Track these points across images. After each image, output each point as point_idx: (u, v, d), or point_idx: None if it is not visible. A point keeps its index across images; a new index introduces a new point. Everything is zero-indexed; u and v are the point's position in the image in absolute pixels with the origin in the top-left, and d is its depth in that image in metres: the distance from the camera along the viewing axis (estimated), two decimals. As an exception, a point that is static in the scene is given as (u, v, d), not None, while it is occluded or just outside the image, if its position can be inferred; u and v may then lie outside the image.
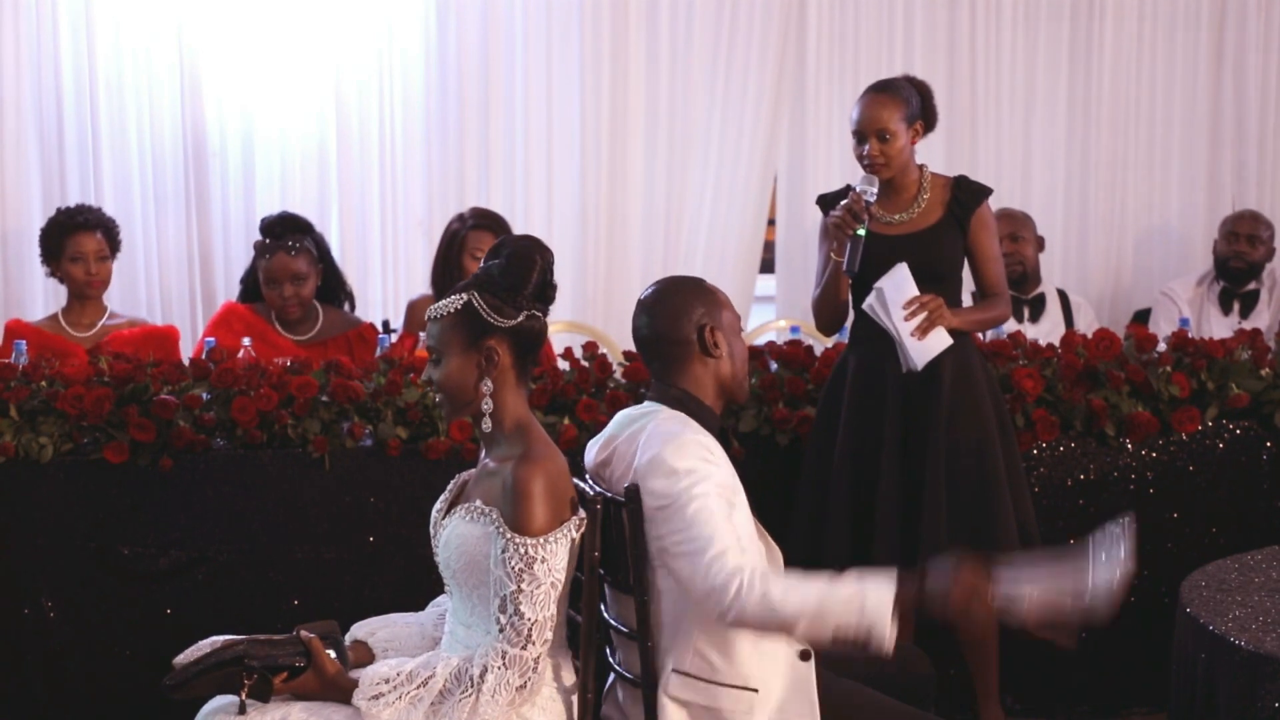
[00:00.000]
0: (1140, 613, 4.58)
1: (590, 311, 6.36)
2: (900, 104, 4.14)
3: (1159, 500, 4.59)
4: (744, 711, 3.07)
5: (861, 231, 4.04)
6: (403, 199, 6.32)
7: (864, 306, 4.11)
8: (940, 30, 6.62)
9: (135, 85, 6.04)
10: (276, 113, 6.17)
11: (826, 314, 4.27)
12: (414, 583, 4.27)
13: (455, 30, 6.28)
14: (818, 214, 4.34)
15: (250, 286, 5.29)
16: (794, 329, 5.38)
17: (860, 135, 4.14)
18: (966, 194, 4.23)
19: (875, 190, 3.94)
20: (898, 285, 4.07)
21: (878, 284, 4.07)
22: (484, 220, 5.46)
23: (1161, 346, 4.71)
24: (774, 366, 4.66)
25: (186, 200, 6.10)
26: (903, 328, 4.05)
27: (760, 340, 5.52)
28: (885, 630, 2.87)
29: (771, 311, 6.72)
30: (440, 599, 3.27)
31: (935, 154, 6.18)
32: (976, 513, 4.11)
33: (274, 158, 6.19)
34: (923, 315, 4.05)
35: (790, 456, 4.47)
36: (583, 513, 3.07)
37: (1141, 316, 6.44)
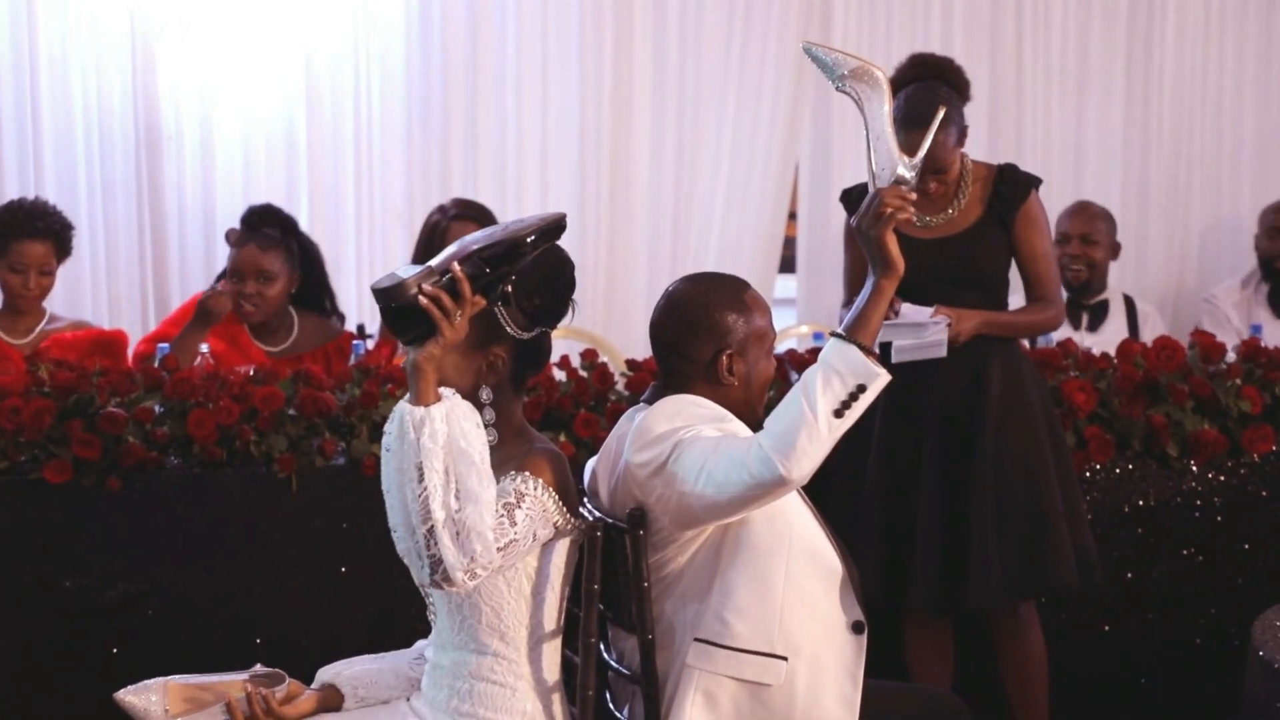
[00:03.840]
0: (1208, 655, 4.59)
1: (589, 315, 6.35)
2: (950, 129, 4.10)
3: (1228, 529, 4.59)
4: (773, 681, 3.12)
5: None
6: (380, 189, 6.33)
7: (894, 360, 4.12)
8: (983, 2, 6.62)
9: (81, 59, 6.03)
10: (239, 91, 6.17)
11: None
12: (391, 618, 4.28)
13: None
14: (843, 208, 4.32)
15: None
16: (817, 335, 5.37)
17: None
18: (1010, 187, 4.21)
19: (914, 176, 3.81)
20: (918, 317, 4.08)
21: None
22: (467, 211, 5.49)
23: (1230, 356, 4.70)
24: (794, 378, 4.66)
25: (138, 189, 6.10)
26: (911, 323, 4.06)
27: (779, 348, 5.51)
28: (860, 357, 3.05)
29: (793, 315, 6.72)
30: (422, 643, 3.28)
31: (977, 141, 6.13)
32: (1029, 543, 4.11)
33: (236, 142, 6.19)
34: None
35: (814, 483, 4.46)
36: (587, 514, 3.15)
37: (1209, 321, 6.43)
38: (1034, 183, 4.24)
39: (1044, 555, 4.11)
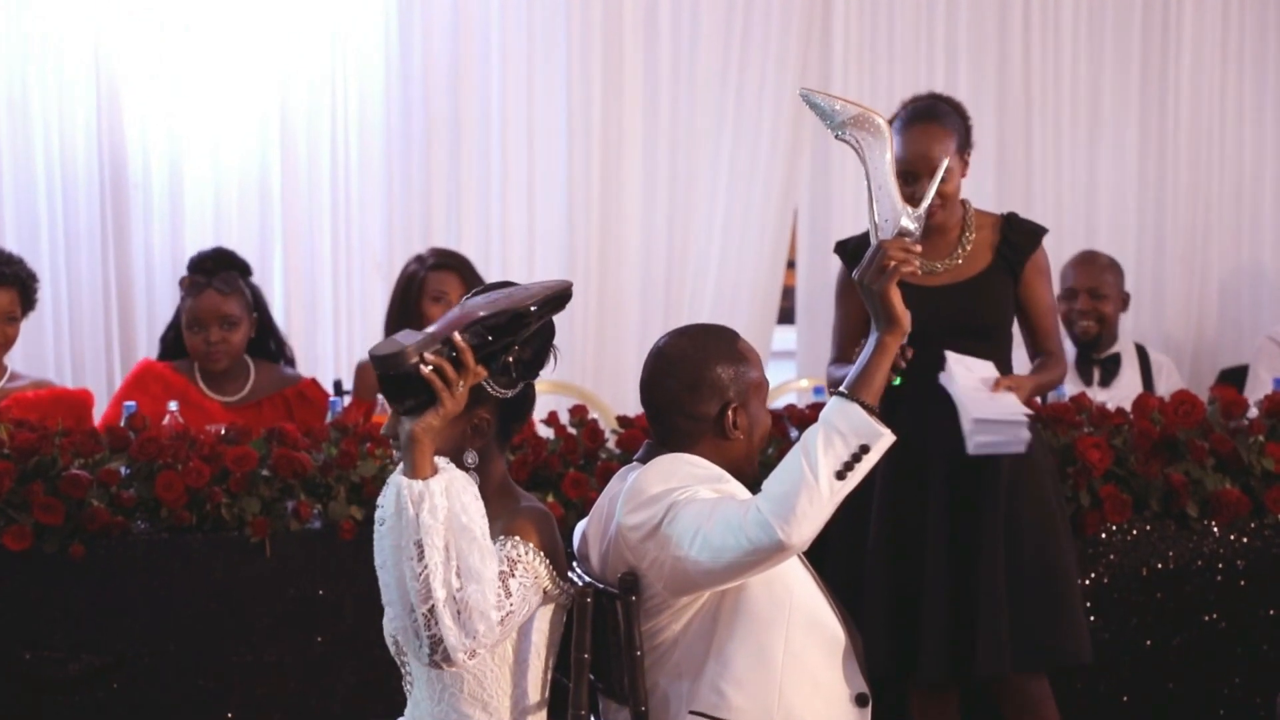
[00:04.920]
0: (1231, 727, 4.58)
1: (578, 370, 6.35)
2: (952, 134, 4.15)
3: (1252, 594, 4.58)
4: None
5: (897, 382, 4.06)
6: (358, 236, 6.34)
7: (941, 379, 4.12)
8: (989, 42, 6.65)
9: (43, 100, 6.05)
10: (210, 134, 6.19)
11: None
12: (371, 690, 4.26)
13: (420, 36, 6.31)
14: (840, 260, 4.36)
15: (171, 344, 5.30)
16: (818, 390, 5.39)
17: (912, 175, 4.10)
18: (1019, 235, 4.25)
19: (918, 228, 3.88)
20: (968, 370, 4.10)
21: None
22: (446, 260, 5.52)
23: (1253, 411, 4.71)
24: (794, 434, 4.66)
25: (103, 240, 6.11)
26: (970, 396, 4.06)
27: (778, 403, 5.52)
28: (863, 416, 3.09)
29: (792, 369, 6.73)
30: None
31: (984, 188, 6.21)
32: (1041, 609, 4.12)
33: (206, 188, 6.20)
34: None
35: (813, 549, 4.46)
36: (576, 578, 3.15)
37: (1229, 375, 6.37)
38: (1041, 232, 4.29)
39: (1056, 624, 4.12)
